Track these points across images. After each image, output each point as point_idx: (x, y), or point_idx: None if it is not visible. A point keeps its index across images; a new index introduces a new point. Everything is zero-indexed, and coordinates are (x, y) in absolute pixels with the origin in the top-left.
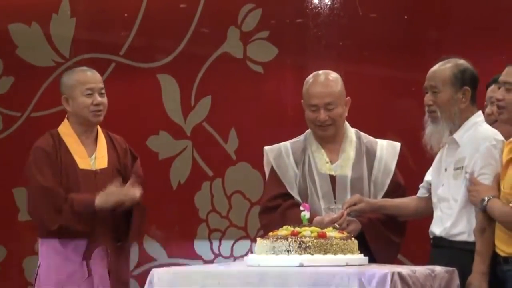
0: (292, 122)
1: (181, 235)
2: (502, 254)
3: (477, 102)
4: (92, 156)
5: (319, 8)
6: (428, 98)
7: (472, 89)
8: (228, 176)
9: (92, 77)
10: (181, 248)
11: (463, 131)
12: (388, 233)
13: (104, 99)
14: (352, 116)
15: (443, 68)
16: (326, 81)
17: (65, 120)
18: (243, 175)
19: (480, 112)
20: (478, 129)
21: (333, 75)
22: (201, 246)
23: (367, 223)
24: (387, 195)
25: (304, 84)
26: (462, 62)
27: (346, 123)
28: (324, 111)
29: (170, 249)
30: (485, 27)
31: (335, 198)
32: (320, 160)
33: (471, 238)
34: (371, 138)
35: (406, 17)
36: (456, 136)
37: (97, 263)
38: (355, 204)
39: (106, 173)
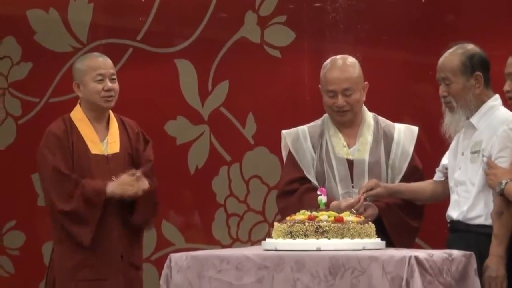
0: (310, 107)
1: (199, 220)
2: None
3: (494, 84)
4: (104, 141)
5: None
6: (442, 90)
7: (484, 73)
8: (246, 160)
9: (103, 63)
10: (199, 233)
11: (480, 115)
12: (405, 218)
13: (115, 85)
14: (370, 100)
15: (451, 58)
16: (344, 66)
17: (77, 105)
18: (261, 160)
19: (497, 95)
20: (495, 113)
21: (351, 60)
22: (219, 231)
23: (384, 208)
24: (405, 179)
25: (322, 69)
26: (469, 47)
27: (364, 107)
28: (342, 97)
29: (188, 234)
30: (502, 11)
31: (352, 182)
32: (338, 144)
33: (488, 222)
34: (389, 122)
35: (423, 0)
36: (473, 120)
37: (109, 247)
38: (371, 189)
39: (118, 157)
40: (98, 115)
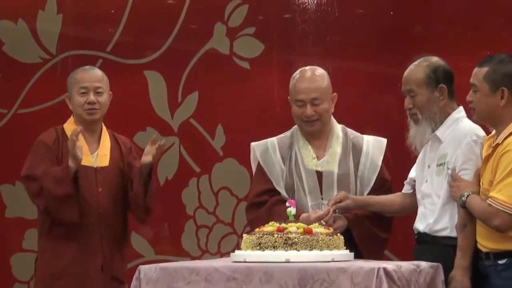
0: (279, 118)
1: (169, 232)
2: (483, 249)
3: (460, 95)
4: (95, 153)
5: (306, 4)
6: (407, 102)
7: (448, 85)
8: (215, 172)
9: (88, 76)
10: (168, 244)
11: (445, 128)
12: (374, 229)
13: (101, 98)
14: (338, 112)
15: (416, 70)
16: (313, 76)
17: (71, 117)
18: (230, 171)
19: (461, 107)
20: (460, 125)
21: (320, 70)
22: (188, 243)
23: (353, 219)
24: (374, 190)
25: (291, 79)
26: (434, 60)
27: (333, 119)
28: (310, 106)
29: (158, 246)
30: (470, 23)
31: (321, 194)
32: (307, 156)
33: (454, 234)
34: (358, 134)
35: (392, 13)
36: (438, 132)
37: (89, 257)
38: (341, 201)
39: (107, 171)
40: (87, 128)
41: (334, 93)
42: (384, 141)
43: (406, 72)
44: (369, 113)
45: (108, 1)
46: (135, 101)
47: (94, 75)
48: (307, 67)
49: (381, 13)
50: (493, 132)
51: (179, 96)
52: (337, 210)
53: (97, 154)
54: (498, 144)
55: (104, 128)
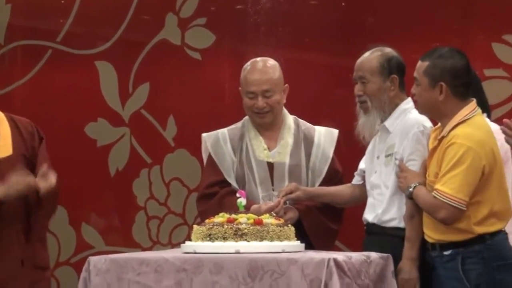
0: (230, 109)
1: (119, 223)
2: (429, 240)
3: (406, 88)
4: None
5: None
6: (357, 89)
7: (400, 76)
8: (167, 163)
9: None
10: (119, 235)
11: (394, 118)
12: (325, 220)
13: None
14: (290, 103)
15: (370, 58)
16: (264, 68)
17: None
18: (181, 162)
19: (409, 99)
20: (408, 116)
21: (271, 61)
22: (139, 234)
23: (304, 211)
24: (325, 182)
25: (242, 71)
26: (388, 50)
27: (285, 109)
28: (262, 98)
29: (108, 237)
30: (421, 15)
31: (272, 185)
32: (258, 147)
33: (402, 224)
34: (309, 125)
35: (343, 4)
36: (387, 123)
37: (7, 255)
38: (291, 192)
39: (11, 161)
40: None
41: (286, 84)
42: (335, 132)
43: (359, 59)
44: (322, 104)
45: None
46: (86, 91)
47: None
48: (258, 58)
49: (333, 4)
50: (439, 124)
51: (130, 87)
52: (287, 202)
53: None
54: (443, 137)
55: (1, 114)
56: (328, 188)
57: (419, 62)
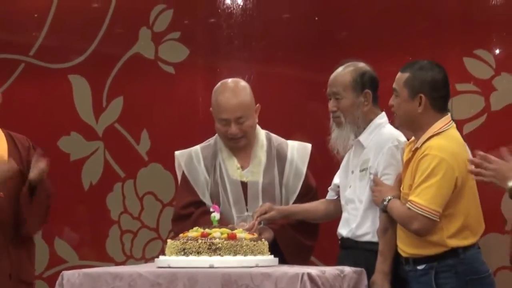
0: (204, 123)
1: (93, 237)
2: (403, 254)
3: (383, 99)
4: None
5: (232, 9)
6: (331, 105)
7: (373, 91)
8: (140, 177)
9: None
10: (92, 250)
11: (368, 133)
12: (300, 238)
13: None
14: (263, 117)
15: (343, 73)
16: (235, 94)
17: None
18: (155, 176)
19: (383, 113)
20: (382, 131)
21: (242, 84)
22: (112, 248)
23: (279, 230)
24: (299, 198)
25: (213, 93)
26: (361, 65)
27: (257, 126)
28: (235, 125)
29: (81, 251)
30: (393, 29)
31: (246, 205)
32: (231, 167)
33: (376, 239)
34: (282, 139)
35: (316, 18)
36: (361, 138)
37: None
38: (265, 213)
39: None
40: None
41: (257, 104)
42: (308, 146)
43: (333, 75)
44: (295, 118)
45: (31, 4)
46: (59, 105)
47: None
48: (229, 82)
49: (306, 18)
50: (413, 138)
51: (104, 101)
52: (262, 222)
53: None
54: (417, 149)
55: None
56: (302, 205)
57: (399, 74)
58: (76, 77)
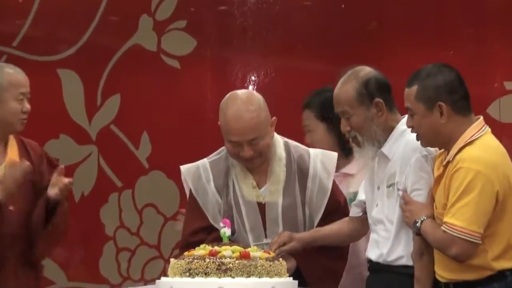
0: (213, 125)
1: (84, 255)
2: (442, 280)
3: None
4: (1, 166)
5: None
6: (343, 125)
7: (385, 97)
8: (139, 187)
9: (25, 79)
10: (84, 270)
11: (391, 143)
12: (326, 261)
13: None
14: (280, 119)
15: (345, 89)
16: (247, 112)
17: None
18: (156, 186)
19: (405, 118)
20: (407, 138)
21: (254, 99)
22: (107, 268)
23: (302, 257)
24: (326, 216)
25: (220, 108)
26: (363, 73)
27: (275, 135)
28: (248, 147)
29: (71, 271)
30: (430, 19)
31: (265, 231)
32: (246, 185)
33: (410, 262)
34: (302, 148)
35: (343, 6)
36: (385, 149)
37: (2, 284)
38: (284, 244)
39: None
40: None
41: (273, 118)
42: (334, 156)
43: (335, 92)
44: None
45: None
46: (47, 104)
47: (26, 78)
48: (239, 96)
49: (330, 6)
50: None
51: (98, 99)
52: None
53: (4, 166)
54: (448, 162)
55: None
56: (325, 228)
57: (406, 90)
58: (66, 71)
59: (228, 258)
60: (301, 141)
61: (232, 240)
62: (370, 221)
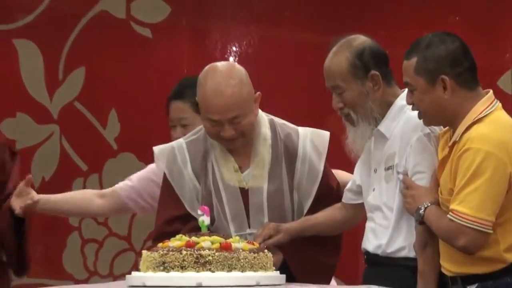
0: None
1: (46, 248)
2: (448, 274)
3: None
4: None
5: None
6: (335, 101)
7: (382, 69)
8: (107, 170)
9: None
10: (44, 264)
11: (389, 120)
12: (318, 255)
13: None
14: (266, 94)
15: (337, 60)
16: (228, 87)
17: None
18: (126, 170)
19: (405, 92)
20: (407, 115)
21: (236, 73)
22: (71, 262)
23: (289, 249)
24: (317, 202)
25: (198, 82)
26: (356, 43)
27: (259, 112)
28: (229, 126)
29: (31, 266)
30: None
31: (248, 220)
32: (227, 169)
33: (412, 254)
34: (290, 127)
35: None
36: (382, 127)
37: None
38: (270, 237)
39: None
40: None
41: (257, 93)
42: (326, 135)
43: (326, 64)
44: (306, 95)
45: None
46: (2, 78)
47: None
48: (219, 68)
49: None
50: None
51: (60, 73)
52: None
53: None
54: (455, 142)
55: None
56: (315, 216)
57: (405, 63)
58: (23, 41)
59: (207, 250)
60: (289, 118)
61: (212, 230)
62: (366, 207)
